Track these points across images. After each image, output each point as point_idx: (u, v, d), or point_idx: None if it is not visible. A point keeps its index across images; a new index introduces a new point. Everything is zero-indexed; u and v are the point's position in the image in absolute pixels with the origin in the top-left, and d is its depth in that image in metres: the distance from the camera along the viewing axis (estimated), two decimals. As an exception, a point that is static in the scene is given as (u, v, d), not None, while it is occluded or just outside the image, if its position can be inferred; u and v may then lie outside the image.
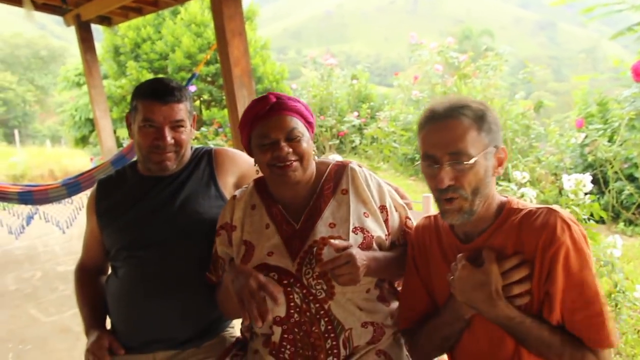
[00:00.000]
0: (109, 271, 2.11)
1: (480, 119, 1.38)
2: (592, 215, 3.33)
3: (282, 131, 1.63)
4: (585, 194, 3.33)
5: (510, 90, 10.26)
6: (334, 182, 1.76)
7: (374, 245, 1.67)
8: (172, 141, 1.90)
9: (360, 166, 1.80)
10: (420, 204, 2.26)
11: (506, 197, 1.50)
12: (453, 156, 1.35)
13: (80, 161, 14.07)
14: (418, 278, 1.63)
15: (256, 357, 1.75)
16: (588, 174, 3.35)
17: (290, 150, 1.62)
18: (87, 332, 1.99)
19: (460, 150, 1.34)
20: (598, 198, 6.44)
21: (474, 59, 9.09)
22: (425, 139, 1.42)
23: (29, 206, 6.35)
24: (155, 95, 1.87)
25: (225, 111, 11.91)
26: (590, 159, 6.60)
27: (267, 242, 1.69)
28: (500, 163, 1.43)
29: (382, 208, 1.74)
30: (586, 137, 6.76)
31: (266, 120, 1.65)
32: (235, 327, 2.14)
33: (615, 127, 6.76)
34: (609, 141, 6.61)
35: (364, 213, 1.70)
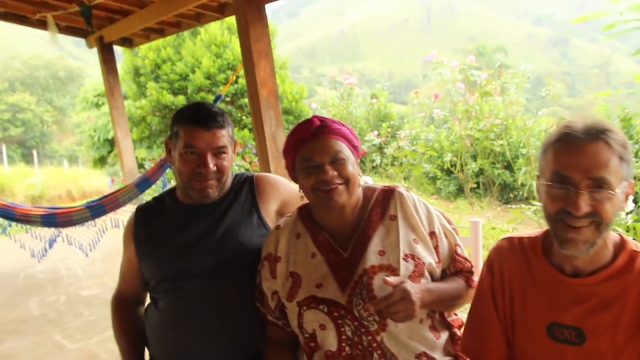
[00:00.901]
0: (147, 301, 2.05)
1: (623, 147, 1.27)
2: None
3: (326, 154, 1.59)
4: (627, 213, 3.25)
5: (525, 107, 10.19)
6: (382, 207, 1.69)
7: (426, 273, 1.60)
8: (215, 168, 1.84)
9: (408, 191, 1.74)
10: (468, 229, 2.16)
11: (620, 234, 1.40)
12: (594, 182, 1.24)
13: (98, 181, 14.19)
14: (495, 312, 1.52)
15: None
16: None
17: (335, 173, 1.58)
18: (125, 366, 1.92)
19: (604, 178, 1.24)
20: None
21: (492, 76, 9.04)
22: (559, 157, 1.29)
23: (52, 229, 6.32)
24: (197, 120, 1.81)
25: (245, 131, 11.93)
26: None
27: (314, 272, 1.63)
28: (626, 197, 1.33)
29: (432, 234, 1.67)
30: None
31: (310, 144, 1.61)
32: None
33: (640, 142, 6.66)
34: (634, 157, 6.50)
35: (414, 239, 1.63)
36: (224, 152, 1.87)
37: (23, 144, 36.88)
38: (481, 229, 2.11)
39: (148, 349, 1.99)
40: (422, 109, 10.14)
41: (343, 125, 1.68)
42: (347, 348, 1.56)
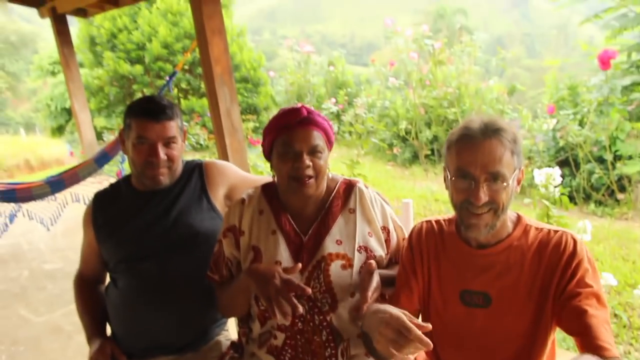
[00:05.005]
0: (107, 280, 2.22)
1: (514, 142, 1.48)
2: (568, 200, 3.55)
3: (306, 144, 1.69)
4: (555, 186, 3.51)
5: (485, 67, 10.42)
6: (343, 199, 1.84)
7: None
8: (165, 157, 2.00)
9: (366, 186, 1.89)
10: (399, 209, 2.37)
11: (516, 213, 1.63)
12: (490, 175, 1.45)
13: (57, 150, 13.84)
14: (413, 282, 1.71)
15: (253, 359, 1.85)
16: (557, 167, 3.52)
17: (310, 164, 1.70)
18: (89, 340, 2.09)
19: (499, 172, 1.44)
20: (570, 180, 6.68)
21: (449, 38, 9.22)
22: (461, 155, 1.49)
23: (12, 204, 6.31)
24: (148, 114, 1.96)
25: (204, 100, 11.90)
26: (562, 143, 6.81)
27: (274, 249, 1.76)
28: (518, 183, 1.54)
29: (384, 229, 1.83)
30: (557, 122, 6.98)
31: (294, 131, 1.70)
32: (230, 330, 2.26)
33: (584, 112, 6.99)
34: (579, 125, 6.83)
35: (369, 232, 1.79)
36: (174, 142, 2.02)
37: (-25, 113, 35.69)
38: (412, 210, 2.32)
39: (110, 324, 2.17)
40: (379, 76, 10.31)
41: (326, 120, 1.79)
42: (299, 324, 1.72)
